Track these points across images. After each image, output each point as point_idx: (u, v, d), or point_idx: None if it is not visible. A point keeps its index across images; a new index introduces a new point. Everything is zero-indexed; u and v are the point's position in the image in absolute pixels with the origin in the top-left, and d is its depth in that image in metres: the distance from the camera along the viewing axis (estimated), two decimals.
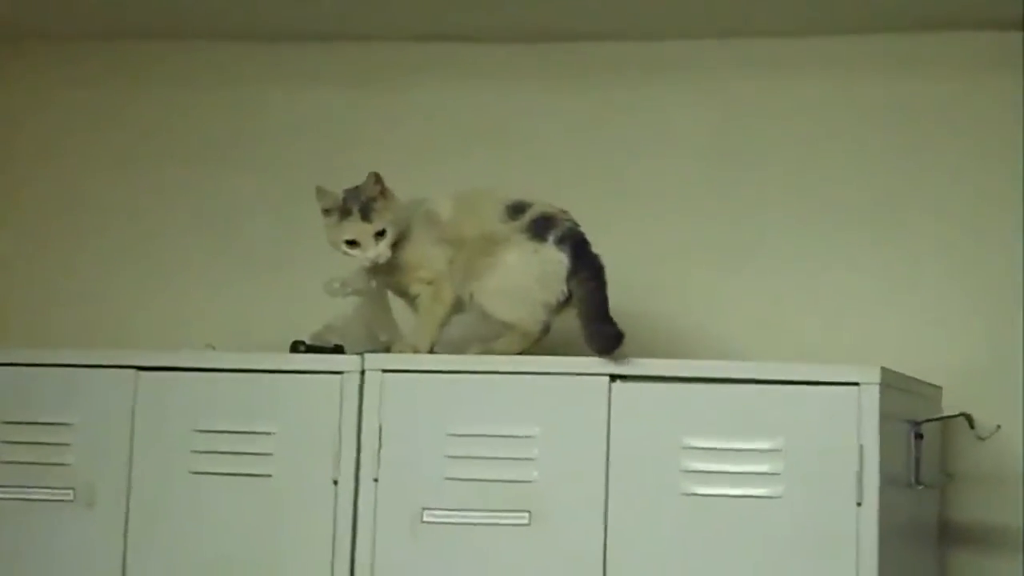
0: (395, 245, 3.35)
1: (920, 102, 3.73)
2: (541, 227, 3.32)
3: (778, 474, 3.06)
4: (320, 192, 3.36)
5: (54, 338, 3.96)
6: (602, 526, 3.13)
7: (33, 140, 4.15)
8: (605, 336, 3.21)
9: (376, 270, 3.39)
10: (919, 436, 3.28)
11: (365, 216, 3.33)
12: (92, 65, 4.13)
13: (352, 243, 3.34)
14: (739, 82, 3.83)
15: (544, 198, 3.38)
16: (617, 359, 3.18)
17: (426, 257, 3.38)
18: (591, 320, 3.26)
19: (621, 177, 3.87)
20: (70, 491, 3.36)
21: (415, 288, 3.39)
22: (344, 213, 3.34)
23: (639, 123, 3.88)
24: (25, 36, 4.10)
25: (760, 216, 3.80)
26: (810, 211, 3.78)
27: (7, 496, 3.39)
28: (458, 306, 3.38)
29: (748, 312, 3.76)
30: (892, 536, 3.10)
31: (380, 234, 3.33)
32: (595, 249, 3.32)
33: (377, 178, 3.33)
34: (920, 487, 3.29)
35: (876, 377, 3.06)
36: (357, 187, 3.34)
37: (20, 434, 3.41)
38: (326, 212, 3.36)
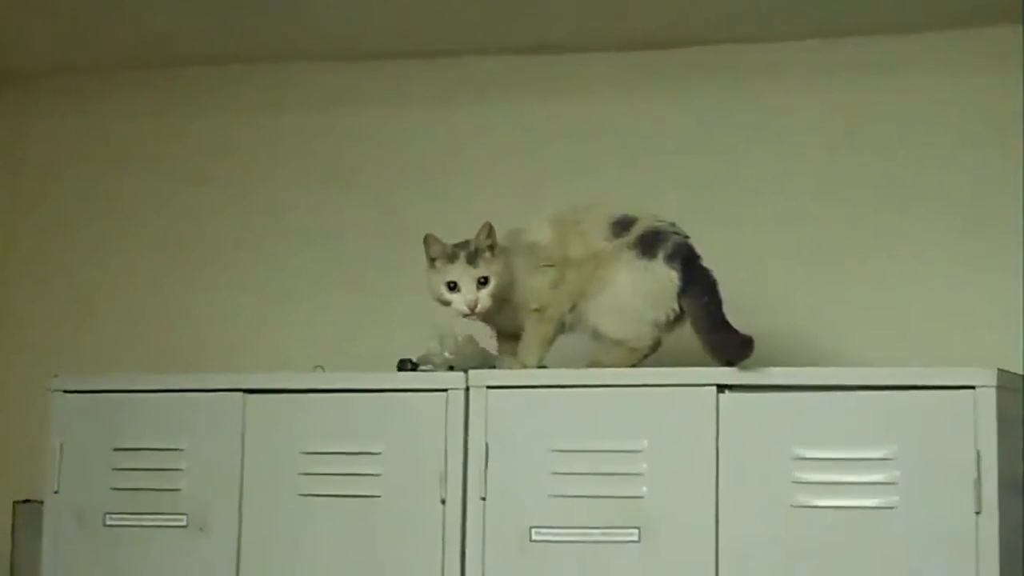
0: (501, 301, 3.30)
1: None
2: (649, 243, 3.26)
3: (893, 483, 2.97)
4: (428, 239, 3.31)
5: (162, 364, 3.97)
6: (713, 541, 3.06)
7: (147, 169, 4.18)
8: (734, 344, 3.16)
9: (489, 317, 3.33)
10: None
11: (471, 261, 3.28)
12: (204, 94, 4.15)
13: (453, 287, 3.29)
14: (850, 83, 3.73)
15: (654, 208, 3.32)
16: (743, 367, 3.12)
17: (531, 289, 3.31)
18: (713, 332, 3.20)
19: (731, 183, 3.79)
20: (183, 517, 3.38)
21: (528, 318, 3.33)
22: (451, 258, 3.29)
23: (748, 128, 3.80)
24: (133, 67, 4.14)
25: (869, 221, 3.69)
26: (919, 214, 3.66)
27: (122, 523, 3.42)
28: (565, 325, 3.32)
29: (857, 318, 3.66)
30: (1014, 546, 2.99)
31: (483, 282, 3.29)
32: (706, 261, 3.26)
33: (490, 230, 3.28)
34: None
35: (993, 379, 2.95)
36: (467, 240, 3.30)
37: (132, 461, 3.43)
38: (431, 261, 3.31)
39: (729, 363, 3.15)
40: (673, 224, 3.30)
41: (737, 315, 3.23)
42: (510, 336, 3.38)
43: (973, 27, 3.61)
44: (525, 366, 3.30)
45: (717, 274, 3.25)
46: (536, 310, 3.31)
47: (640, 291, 3.25)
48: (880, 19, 3.65)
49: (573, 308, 3.30)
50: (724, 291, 3.24)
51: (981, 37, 3.62)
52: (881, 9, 3.59)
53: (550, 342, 3.32)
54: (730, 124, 3.81)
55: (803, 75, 3.76)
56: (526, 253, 3.33)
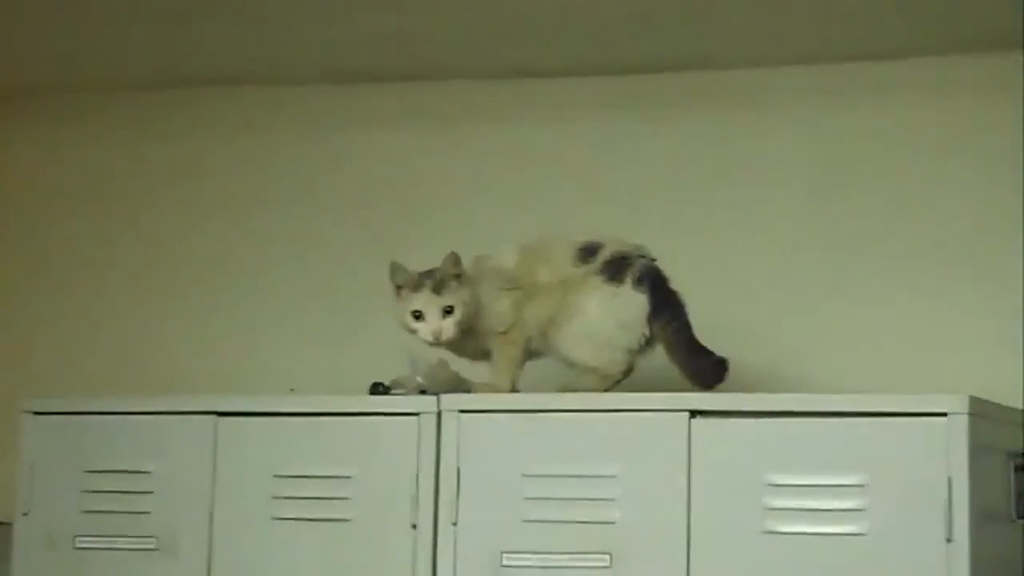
0: (469, 329, 3.30)
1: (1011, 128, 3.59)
2: (617, 268, 3.27)
3: (864, 510, 2.95)
4: (395, 268, 3.31)
5: (133, 385, 3.96)
6: (684, 567, 3.04)
7: (121, 190, 4.18)
8: (710, 367, 3.19)
9: (457, 345, 3.33)
10: (1020, 468, 3.16)
11: (436, 290, 3.27)
12: (177, 116, 4.15)
13: (418, 316, 3.29)
14: (834, 110, 3.73)
15: (634, 235, 3.32)
16: (716, 391, 3.15)
17: (497, 312, 3.31)
18: (688, 356, 3.22)
19: (710, 210, 3.78)
20: (152, 539, 3.36)
21: (495, 342, 3.33)
22: (416, 287, 3.29)
23: (725, 155, 3.79)
24: (109, 88, 4.14)
25: (845, 249, 3.69)
26: (894, 242, 3.66)
27: (91, 546, 3.40)
28: (533, 350, 3.33)
29: (830, 345, 3.65)
30: (987, 574, 2.97)
31: (448, 311, 3.28)
32: (682, 286, 3.27)
33: (456, 260, 3.28)
34: (1021, 522, 3.16)
35: (964, 406, 2.93)
36: (433, 269, 3.29)
37: (102, 483, 3.40)
38: (398, 289, 3.31)
39: (707, 387, 3.17)
40: (639, 247, 3.30)
41: (711, 342, 3.23)
42: (481, 362, 3.38)
43: (972, 52, 3.59)
44: (498, 390, 3.29)
45: (692, 300, 3.25)
46: (503, 333, 3.31)
47: (610, 317, 3.25)
48: (870, 45, 3.63)
49: (542, 334, 3.30)
50: (699, 317, 3.25)
51: (980, 63, 3.60)
52: (872, 35, 3.58)
53: (520, 364, 3.32)
54: (712, 151, 3.81)
55: (787, 102, 3.76)
56: (492, 278, 3.33)
